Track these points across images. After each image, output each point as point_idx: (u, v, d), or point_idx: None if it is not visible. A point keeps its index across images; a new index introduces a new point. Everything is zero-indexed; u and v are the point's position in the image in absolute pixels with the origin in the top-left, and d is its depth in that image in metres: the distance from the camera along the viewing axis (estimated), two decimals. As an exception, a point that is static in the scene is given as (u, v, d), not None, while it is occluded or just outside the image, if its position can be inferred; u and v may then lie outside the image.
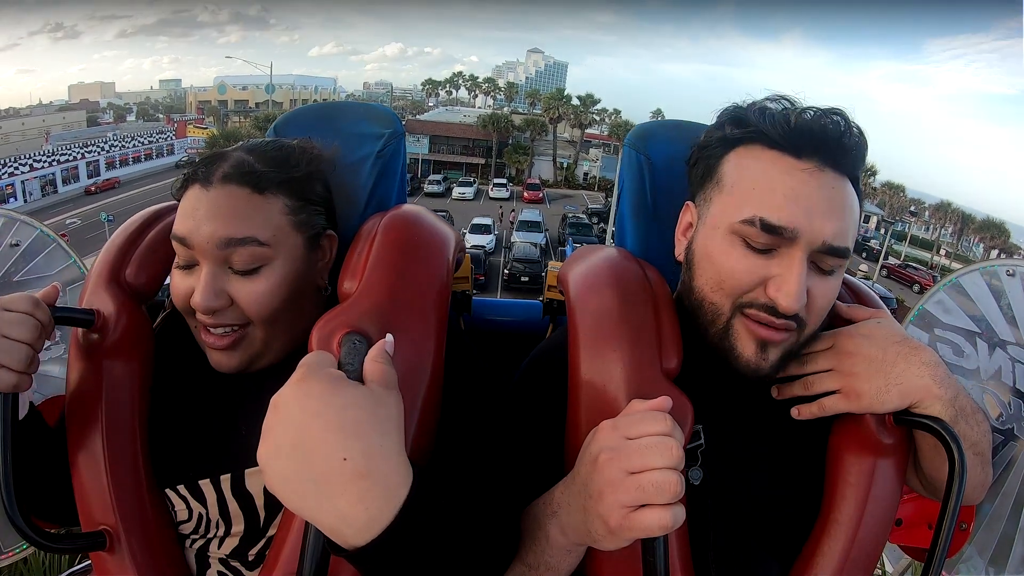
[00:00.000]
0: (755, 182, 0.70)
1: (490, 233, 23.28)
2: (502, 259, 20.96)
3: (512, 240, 22.44)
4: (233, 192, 0.73)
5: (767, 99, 0.75)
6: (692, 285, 0.74)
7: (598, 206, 30.85)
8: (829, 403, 0.73)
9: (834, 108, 0.71)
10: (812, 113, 0.71)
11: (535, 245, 21.27)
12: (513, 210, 28.71)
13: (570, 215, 27.22)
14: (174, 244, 0.74)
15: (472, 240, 21.76)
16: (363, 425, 0.51)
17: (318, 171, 0.82)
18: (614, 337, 0.71)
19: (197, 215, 0.72)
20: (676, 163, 0.86)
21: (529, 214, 26.42)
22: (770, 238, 0.67)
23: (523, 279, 19.17)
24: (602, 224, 26.40)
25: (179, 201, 0.76)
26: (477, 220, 24.36)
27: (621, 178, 0.97)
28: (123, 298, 0.79)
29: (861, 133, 0.71)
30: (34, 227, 1.22)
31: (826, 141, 0.69)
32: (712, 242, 0.72)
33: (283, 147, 0.81)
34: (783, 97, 0.74)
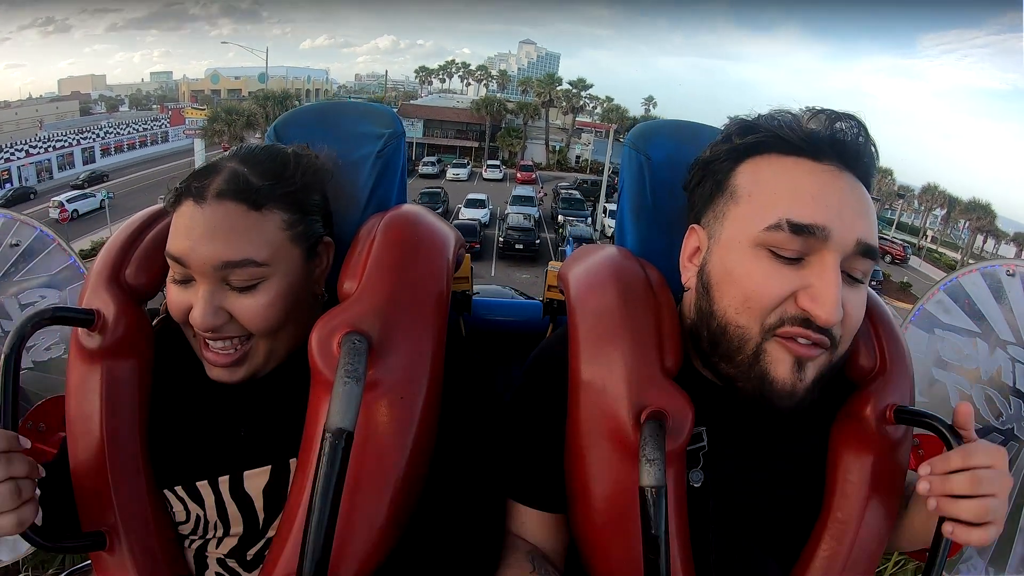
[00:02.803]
0: (776, 185, 0.67)
1: (484, 207, 24.07)
2: (496, 231, 21.73)
3: (506, 212, 23.30)
4: (229, 210, 0.71)
5: (771, 111, 0.73)
6: (712, 310, 0.69)
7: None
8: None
9: (847, 112, 0.70)
10: (826, 116, 0.69)
11: (528, 217, 22.14)
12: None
13: (563, 191, 28.08)
14: (169, 261, 0.73)
15: (467, 214, 22.66)
16: None
17: (315, 180, 0.80)
18: (614, 336, 0.71)
19: (193, 235, 0.71)
20: (676, 163, 0.86)
21: (522, 190, 27.58)
22: (801, 242, 0.64)
23: (517, 247, 19.91)
24: (592, 198, 27.44)
25: (171, 212, 0.75)
26: (472, 196, 25.20)
27: (621, 178, 0.97)
28: (123, 298, 0.78)
29: (872, 139, 0.70)
30: (34, 227, 1.23)
31: (844, 143, 0.67)
32: (732, 259, 0.68)
33: (278, 156, 0.78)
34: (787, 112, 0.72)
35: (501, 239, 20.46)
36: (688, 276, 0.75)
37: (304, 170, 0.79)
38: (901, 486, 0.75)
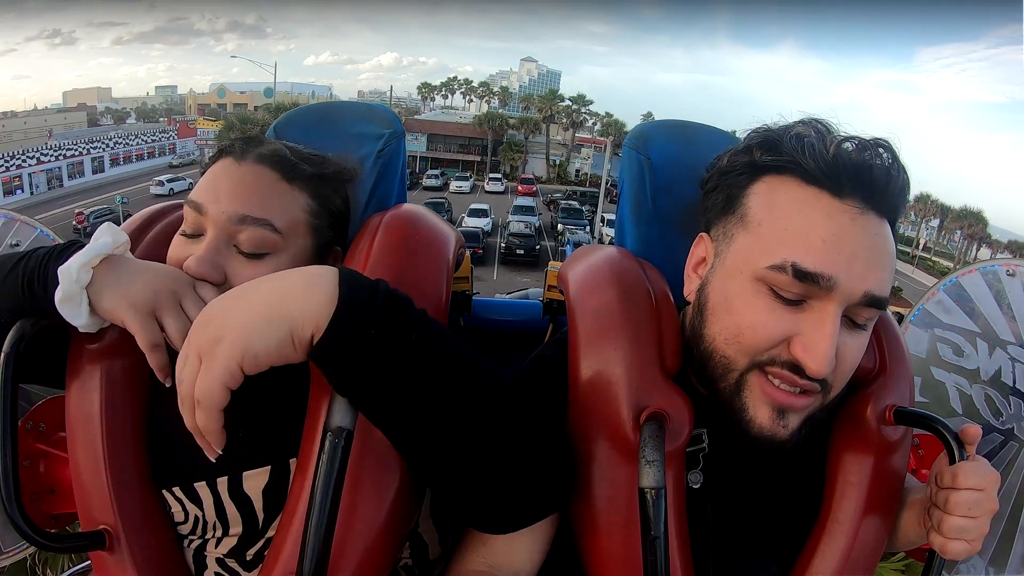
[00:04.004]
0: (788, 221, 0.63)
1: (487, 216, 25.23)
2: (498, 239, 22.80)
3: (508, 221, 24.61)
4: (263, 172, 0.74)
5: (799, 123, 0.68)
6: (703, 333, 0.68)
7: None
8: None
9: (879, 139, 0.64)
10: (855, 144, 0.64)
11: (528, 225, 23.42)
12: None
13: (562, 202, 29.59)
14: (186, 210, 0.74)
15: (470, 222, 23.70)
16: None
17: (341, 182, 0.84)
18: (614, 336, 0.71)
19: (220, 185, 0.73)
20: (676, 163, 0.88)
21: (523, 200, 29.18)
22: (803, 287, 0.61)
23: (518, 252, 20.96)
24: (590, 205, 29.22)
25: (205, 171, 0.77)
26: (475, 206, 26.40)
27: (621, 178, 0.97)
28: None
29: (905, 170, 0.64)
30: (34, 227, 1.22)
31: (872, 180, 0.62)
32: (732, 288, 0.65)
33: (315, 151, 0.84)
34: (817, 121, 0.67)
35: (503, 245, 21.53)
36: (690, 289, 0.73)
37: (336, 164, 0.84)
38: (900, 487, 0.75)
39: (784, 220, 0.63)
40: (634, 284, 0.77)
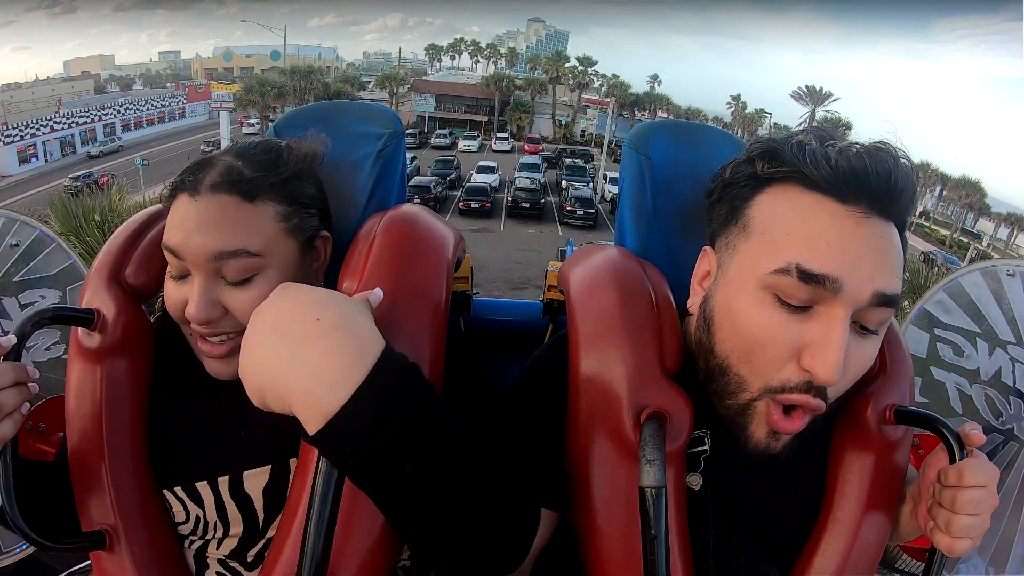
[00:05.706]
0: (792, 226, 0.62)
1: (494, 173, 26.19)
2: (505, 195, 23.69)
3: (515, 177, 25.74)
4: (222, 201, 0.73)
5: (800, 132, 0.69)
6: (714, 349, 0.68)
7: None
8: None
9: (880, 143, 0.64)
10: (857, 150, 0.63)
11: (534, 181, 24.55)
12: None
13: (565, 159, 30.94)
14: (166, 254, 0.74)
15: (479, 179, 24.78)
16: (335, 300, 0.55)
17: (308, 171, 0.82)
18: (615, 336, 0.71)
19: (187, 226, 0.72)
20: (676, 162, 0.89)
21: (529, 158, 30.49)
22: (809, 291, 0.60)
23: (524, 205, 22.04)
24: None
25: (167, 209, 0.75)
26: (483, 163, 27.54)
27: (621, 177, 0.98)
28: (123, 298, 0.79)
29: (912, 172, 0.63)
30: (34, 227, 1.22)
31: (876, 185, 0.61)
32: (737, 298, 0.65)
33: (271, 148, 0.81)
34: (819, 129, 0.68)
35: (510, 199, 22.57)
36: (694, 302, 0.73)
37: (297, 157, 0.81)
38: (901, 486, 0.75)
39: (787, 225, 0.63)
40: (634, 284, 0.77)
